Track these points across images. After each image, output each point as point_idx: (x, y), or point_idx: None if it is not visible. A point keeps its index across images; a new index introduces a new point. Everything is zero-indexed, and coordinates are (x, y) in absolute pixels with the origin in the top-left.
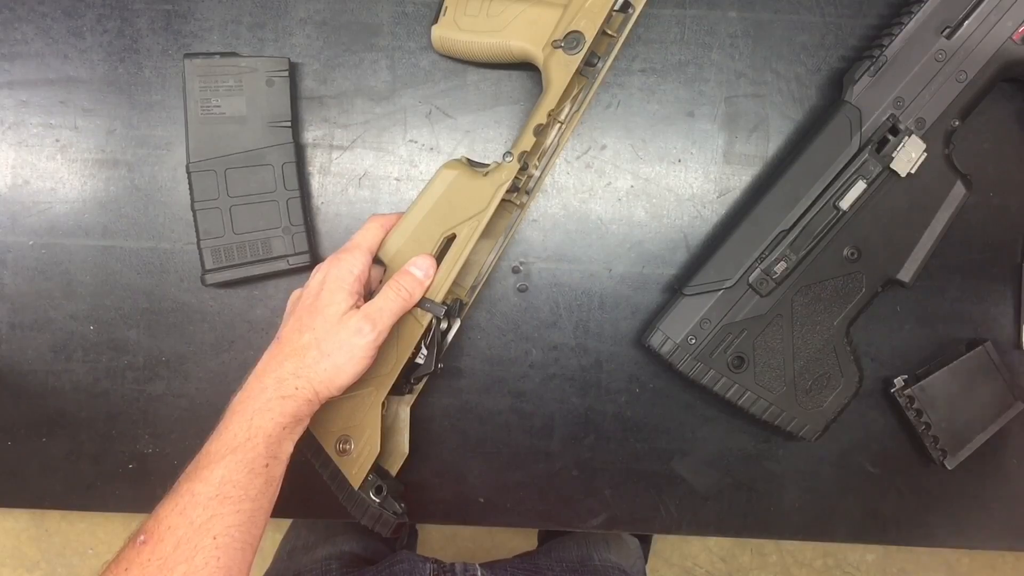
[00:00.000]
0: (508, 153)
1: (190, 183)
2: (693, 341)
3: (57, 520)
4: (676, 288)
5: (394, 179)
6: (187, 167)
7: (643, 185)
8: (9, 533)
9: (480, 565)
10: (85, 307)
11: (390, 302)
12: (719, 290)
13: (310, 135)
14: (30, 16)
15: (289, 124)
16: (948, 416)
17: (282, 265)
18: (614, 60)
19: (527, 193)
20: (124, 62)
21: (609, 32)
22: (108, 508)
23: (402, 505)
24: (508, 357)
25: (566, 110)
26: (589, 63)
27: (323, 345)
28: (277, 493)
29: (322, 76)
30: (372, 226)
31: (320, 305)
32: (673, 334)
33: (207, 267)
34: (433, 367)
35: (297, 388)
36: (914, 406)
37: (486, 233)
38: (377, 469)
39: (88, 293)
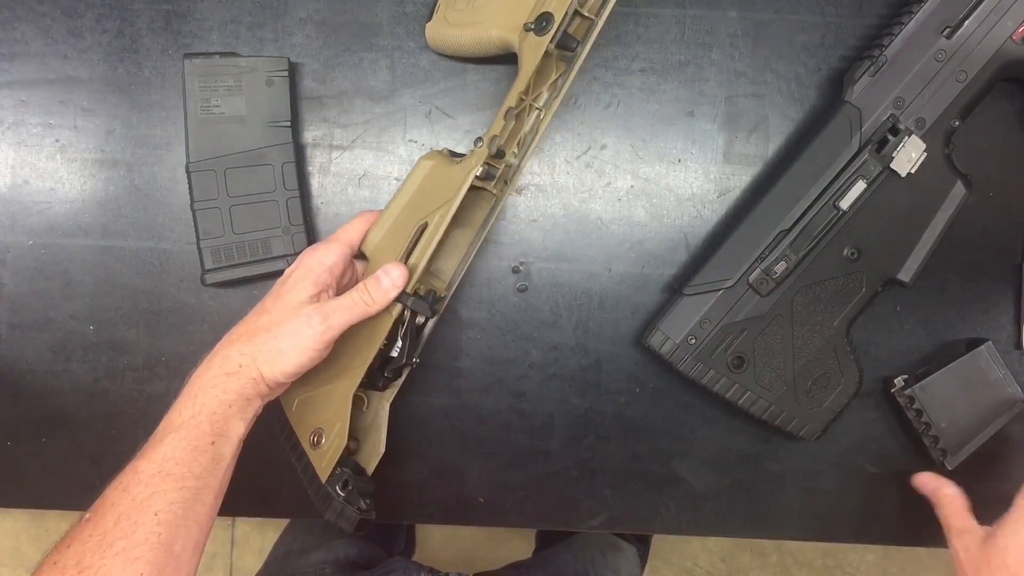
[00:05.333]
0: (479, 139)
1: (190, 183)
2: (693, 341)
3: (57, 520)
4: (676, 288)
5: (394, 179)
6: (187, 167)
7: (643, 185)
8: (9, 533)
9: None
10: (85, 307)
11: (350, 304)
12: (719, 290)
13: (310, 135)
14: (30, 16)
15: (289, 124)
16: (948, 416)
17: (282, 265)
18: (593, 45)
19: (505, 182)
20: (124, 62)
21: (587, 14)
22: None
23: (367, 502)
24: (508, 357)
25: (544, 96)
26: (567, 47)
27: (274, 329)
28: (229, 472)
29: (322, 76)
30: (357, 220)
31: (283, 291)
32: (673, 334)
33: (207, 267)
34: (407, 360)
35: (241, 366)
36: (914, 406)
37: (464, 223)
38: (351, 465)
39: (88, 293)
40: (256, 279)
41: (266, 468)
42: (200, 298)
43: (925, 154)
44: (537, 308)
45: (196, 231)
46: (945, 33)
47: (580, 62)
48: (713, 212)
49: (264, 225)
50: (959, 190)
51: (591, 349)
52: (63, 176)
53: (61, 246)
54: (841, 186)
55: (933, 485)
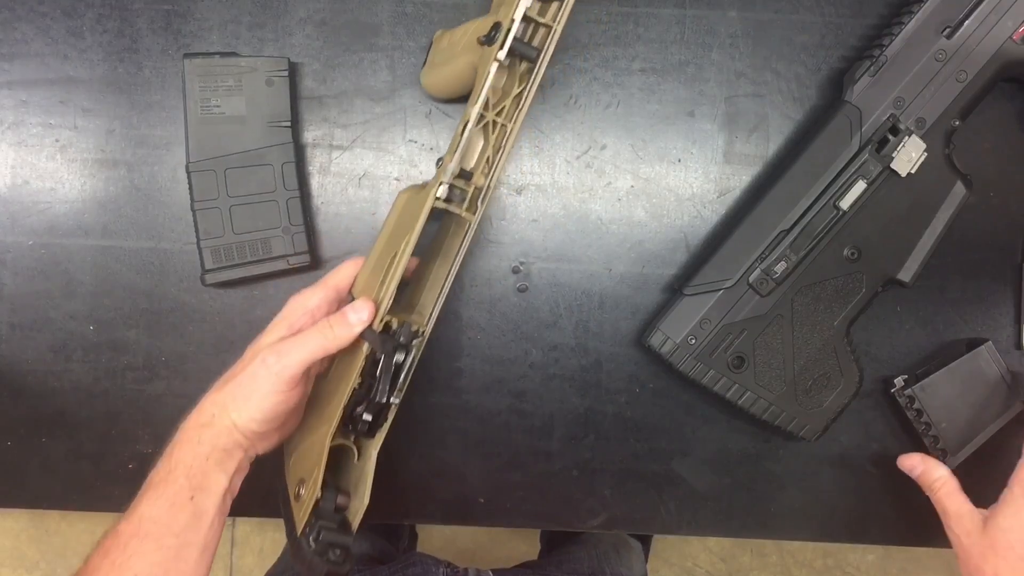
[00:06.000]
0: (440, 159)
1: (190, 183)
2: (693, 341)
3: (57, 520)
4: (676, 288)
5: (394, 179)
6: (187, 167)
7: (643, 185)
8: (9, 533)
9: (492, 571)
10: (85, 307)
11: (308, 339)
12: (719, 290)
13: (310, 135)
14: (30, 16)
15: (289, 124)
16: (948, 416)
17: (282, 265)
18: (554, 53)
19: (479, 203)
20: (124, 62)
21: (543, 21)
22: (108, 508)
23: (337, 553)
24: (508, 357)
25: (505, 109)
26: (526, 57)
27: (239, 374)
28: (216, 528)
29: (322, 76)
30: (346, 264)
31: (262, 335)
32: (673, 334)
33: (207, 267)
34: (382, 398)
35: (214, 416)
36: (914, 406)
37: (440, 254)
38: (333, 518)
39: (88, 293)
40: (256, 279)
41: (266, 468)
42: (200, 298)
43: (925, 154)
44: (537, 308)
45: (196, 231)
46: (945, 33)
47: (542, 71)
48: (713, 212)
49: (264, 225)
50: (959, 190)
51: (591, 349)
52: (63, 176)
53: (61, 246)
54: (841, 186)
55: (921, 468)
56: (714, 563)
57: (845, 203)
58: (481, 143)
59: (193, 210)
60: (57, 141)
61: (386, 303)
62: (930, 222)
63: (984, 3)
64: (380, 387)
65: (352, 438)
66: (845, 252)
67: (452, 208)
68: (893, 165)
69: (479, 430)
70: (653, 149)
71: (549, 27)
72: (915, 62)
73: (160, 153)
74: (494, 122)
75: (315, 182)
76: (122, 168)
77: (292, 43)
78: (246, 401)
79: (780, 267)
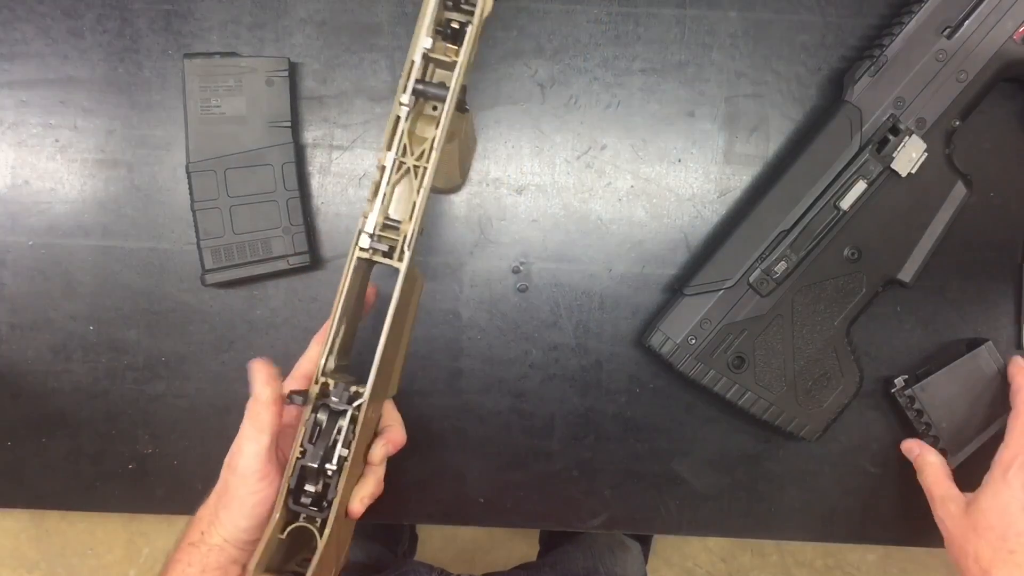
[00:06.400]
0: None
1: (190, 183)
2: (693, 341)
3: (57, 520)
4: (676, 288)
5: None
6: (187, 167)
7: (643, 185)
8: (9, 533)
9: None
10: (85, 307)
11: (244, 428)
12: (719, 290)
13: (310, 135)
14: (30, 16)
15: (289, 124)
16: (948, 416)
17: (282, 265)
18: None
19: (406, 250)
20: (124, 62)
21: (443, 58)
22: (108, 508)
23: None
24: (508, 357)
25: (425, 152)
26: (438, 99)
27: (219, 485)
28: None
29: (322, 76)
30: (311, 347)
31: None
32: (673, 334)
33: (207, 267)
34: (316, 463)
35: (203, 533)
36: (914, 406)
37: (399, 319)
38: None
39: (88, 293)
40: (256, 279)
41: None
42: (200, 298)
43: (925, 154)
44: (537, 308)
45: (196, 231)
46: (945, 33)
47: (450, 107)
48: (713, 212)
49: (264, 225)
50: (959, 190)
51: (591, 349)
52: (63, 176)
53: (61, 246)
54: (841, 186)
55: (917, 451)
56: (714, 563)
57: (845, 203)
58: (401, 191)
59: (193, 210)
60: (57, 141)
61: (321, 363)
62: (930, 222)
63: (984, 3)
64: (313, 451)
65: (317, 523)
66: (845, 252)
67: (377, 258)
68: (893, 165)
69: (479, 430)
70: (653, 149)
71: (451, 61)
72: (915, 62)
73: (160, 153)
74: (415, 167)
75: (315, 182)
76: (122, 168)
77: (292, 43)
78: (228, 511)
79: (780, 267)
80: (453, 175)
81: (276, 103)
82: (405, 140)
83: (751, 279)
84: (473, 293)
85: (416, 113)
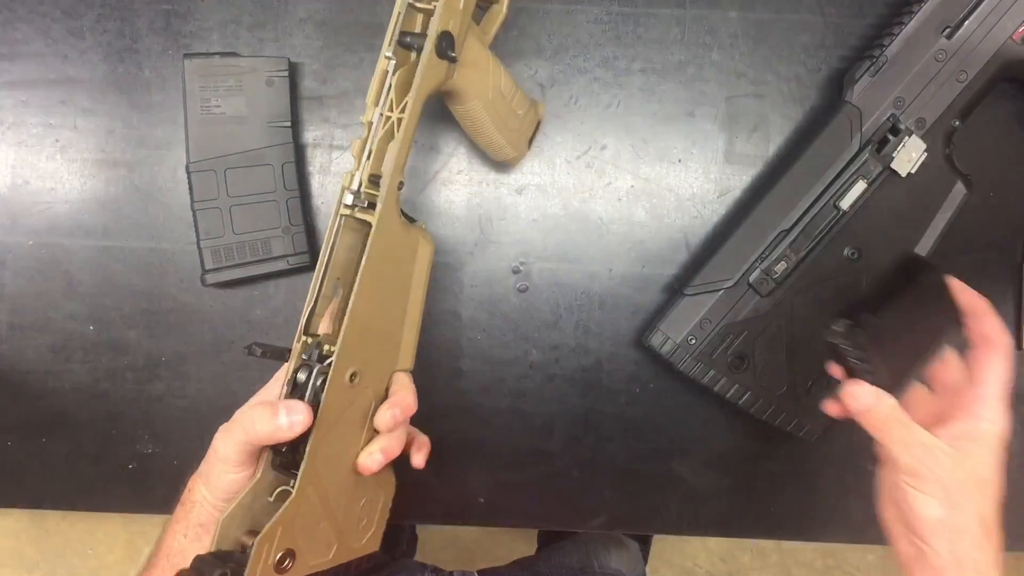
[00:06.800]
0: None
1: (190, 183)
2: (693, 341)
3: (57, 520)
4: (676, 288)
5: None
6: (187, 167)
7: (643, 185)
8: (9, 533)
9: (478, 572)
10: (85, 307)
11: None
12: (719, 290)
13: (310, 135)
14: (30, 16)
15: (289, 124)
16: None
17: (282, 265)
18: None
19: (378, 203)
20: (124, 62)
21: (420, 6)
22: (108, 508)
23: None
24: (508, 357)
25: (395, 112)
26: (416, 48)
27: (209, 450)
28: None
29: (322, 76)
30: (270, 383)
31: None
32: (673, 334)
33: (207, 267)
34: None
35: (191, 490)
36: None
37: (376, 275)
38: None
39: (88, 293)
40: (256, 279)
41: None
42: (200, 298)
43: (925, 154)
44: (537, 308)
45: (196, 231)
46: (945, 33)
47: (429, 51)
48: (713, 212)
49: (264, 225)
50: (959, 190)
51: (591, 349)
52: (63, 176)
53: (61, 246)
54: (841, 186)
55: (872, 397)
56: (714, 563)
57: (845, 203)
58: (390, 144)
59: (193, 210)
60: (57, 141)
61: (302, 322)
62: (930, 222)
63: (984, 3)
64: (283, 393)
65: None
66: (845, 252)
67: (358, 214)
68: (893, 165)
69: (479, 430)
70: (653, 149)
71: (428, 9)
72: (915, 62)
73: (160, 153)
74: (399, 120)
75: (315, 182)
76: (122, 168)
77: (292, 43)
78: (207, 478)
79: (780, 267)
80: (496, 142)
81: (276, 103)
82: (392, 96)
83: (751, 279)
84: (473, 293)
85: (406, 72)
